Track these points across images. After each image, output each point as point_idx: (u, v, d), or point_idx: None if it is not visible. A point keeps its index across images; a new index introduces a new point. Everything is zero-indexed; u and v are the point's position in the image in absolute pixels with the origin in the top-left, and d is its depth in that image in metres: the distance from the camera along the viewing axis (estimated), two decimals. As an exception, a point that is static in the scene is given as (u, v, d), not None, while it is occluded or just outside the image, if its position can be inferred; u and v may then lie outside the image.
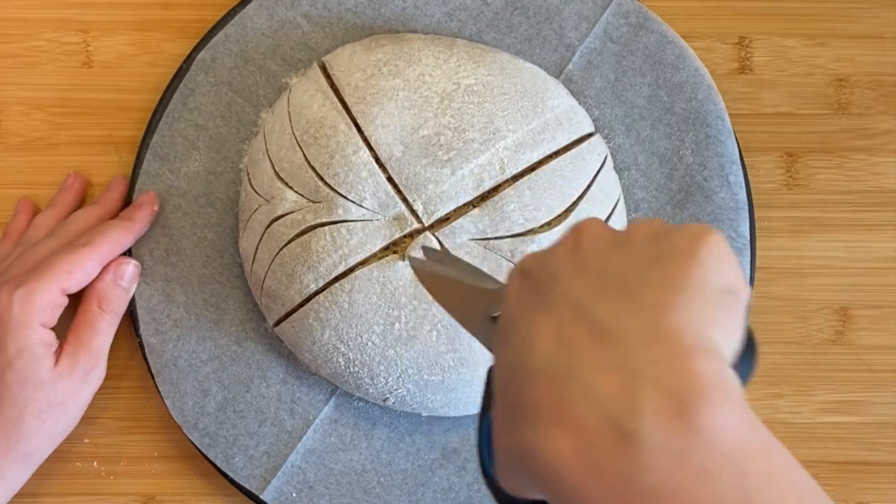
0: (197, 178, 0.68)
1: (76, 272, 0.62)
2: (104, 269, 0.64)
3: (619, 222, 0.66)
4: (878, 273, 0.70)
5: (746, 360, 0.39)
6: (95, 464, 0.69)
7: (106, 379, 0.67)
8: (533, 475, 0.35)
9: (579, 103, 0.67)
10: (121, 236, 0.64)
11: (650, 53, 0.68)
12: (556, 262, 0.40)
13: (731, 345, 0.37)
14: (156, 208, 0.67)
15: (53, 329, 0.62)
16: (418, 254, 0.60)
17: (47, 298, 0.60)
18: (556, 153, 0.63)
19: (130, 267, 0.65)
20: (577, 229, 0.42)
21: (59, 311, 0.62)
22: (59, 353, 0.62)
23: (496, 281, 0.54)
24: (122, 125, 0.70)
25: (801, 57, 0.71)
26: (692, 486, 0.32)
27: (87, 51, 0.70)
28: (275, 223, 0.63)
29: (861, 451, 0.69)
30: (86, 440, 0.68)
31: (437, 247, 0.61)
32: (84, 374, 0.62)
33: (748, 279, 0.67)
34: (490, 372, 0.44)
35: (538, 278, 0.40)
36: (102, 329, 0.64)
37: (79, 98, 0.70)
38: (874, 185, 0.70)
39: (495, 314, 0.48)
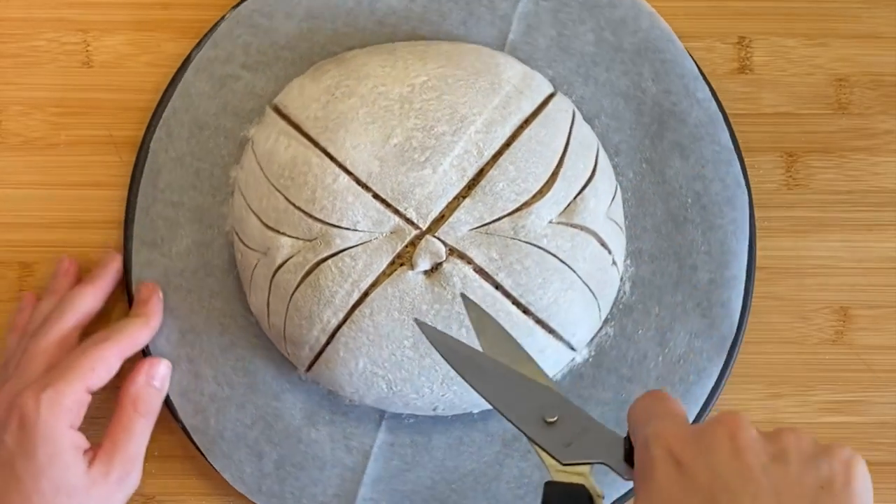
0: (189, 253, 0.68)
1: (99, 369, 0.61)
2: (136, 370, 0.64)
3: (605, 170, 0.65)
4: (878, 273, 0.70)
5: None
6: (96, 464, 0.69)
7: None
8: None
9: (531, 68, 0.67)
10: (139, 331, 0.64)
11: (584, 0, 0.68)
12: (721, 466, 0.44)
13: None
14: (160, 296, 0.67)
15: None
16: (424, 263, 0.61)
17: (74, 399, 0.60)
18: (526, 122, 0.63)
19: (162, 367, 0.65)
20: (729, 427, 0.45)
21: (84, 410, 0.61)
22: (92, 457, 0.61)
23: (531, 360, 0.54)
24: (122, 125, 0.70)
25: (801, 57, 0.71)
26: None
27: (87, 51, 0.70)
28: (278, 273, 0.63)
29: (861, 451, 0.69)
30: (86, 440, 0.68)
31: (443, 249, 0.61)
32: (119, 480, 0.62)
33: (748, 278, 0.67)
34: (549, 492, 0.47)
35: (705, 481, 0.43)
36: (139, 432, 0.63)
37: (79, 98, 0.70)
38: (874, 185, 0.70)
39: (551, 419, 0.49)
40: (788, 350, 0.70)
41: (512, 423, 0.50)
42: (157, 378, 0.65)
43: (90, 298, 0.66)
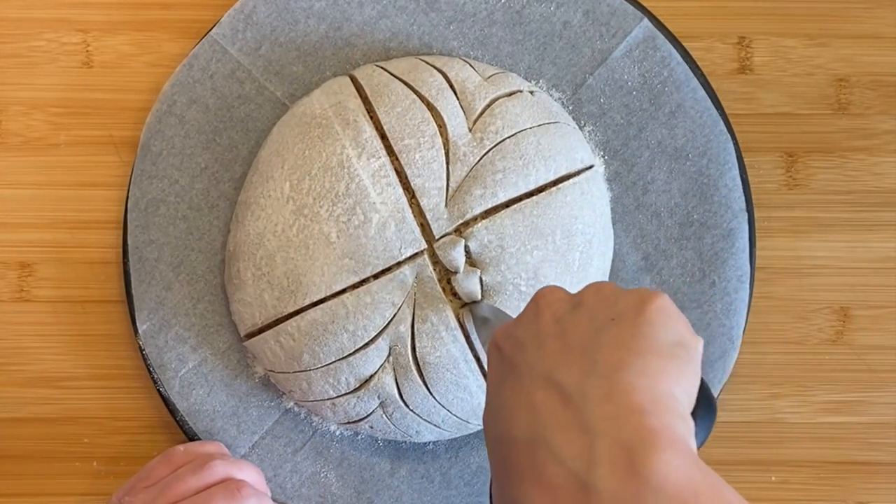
0: (306, 461, 0.69)
1: None
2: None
3: (446, 61, 0.66)
4: (878, 273, 0.70)
5: (705, 417, 0.42)
6: (95, 464, 0.69)
7: (106, 379, 0.67)
8: None
9: (319, 84, 0.67)
10: None
11: None
12: (521, 333, 0.45)
13: (686, 392, 0.41)
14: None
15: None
16: (458, 259, 0.62)
17: None
18: (368, 109, 0.64)
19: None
20: (535, 298, 0.46)
21: None
22: None
23: None
24: (122, 125, 0.70)
25: (801, 57, 0.71)
26: None
27: (87, 51, 0.70)
28: (370, 383, 0.64)
29: (861, 451, 0.69)
30: (85, 440, 0.68)
31: (455, 238, 0.62)
32: None
33: (748, 279, 0.67)
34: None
35: (509, 351, 0.45)
36: None
37: (79, 98, 0.70)
38: (874, 185, 0.70)
39: None
40: (788, 350, 0.70)
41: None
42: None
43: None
